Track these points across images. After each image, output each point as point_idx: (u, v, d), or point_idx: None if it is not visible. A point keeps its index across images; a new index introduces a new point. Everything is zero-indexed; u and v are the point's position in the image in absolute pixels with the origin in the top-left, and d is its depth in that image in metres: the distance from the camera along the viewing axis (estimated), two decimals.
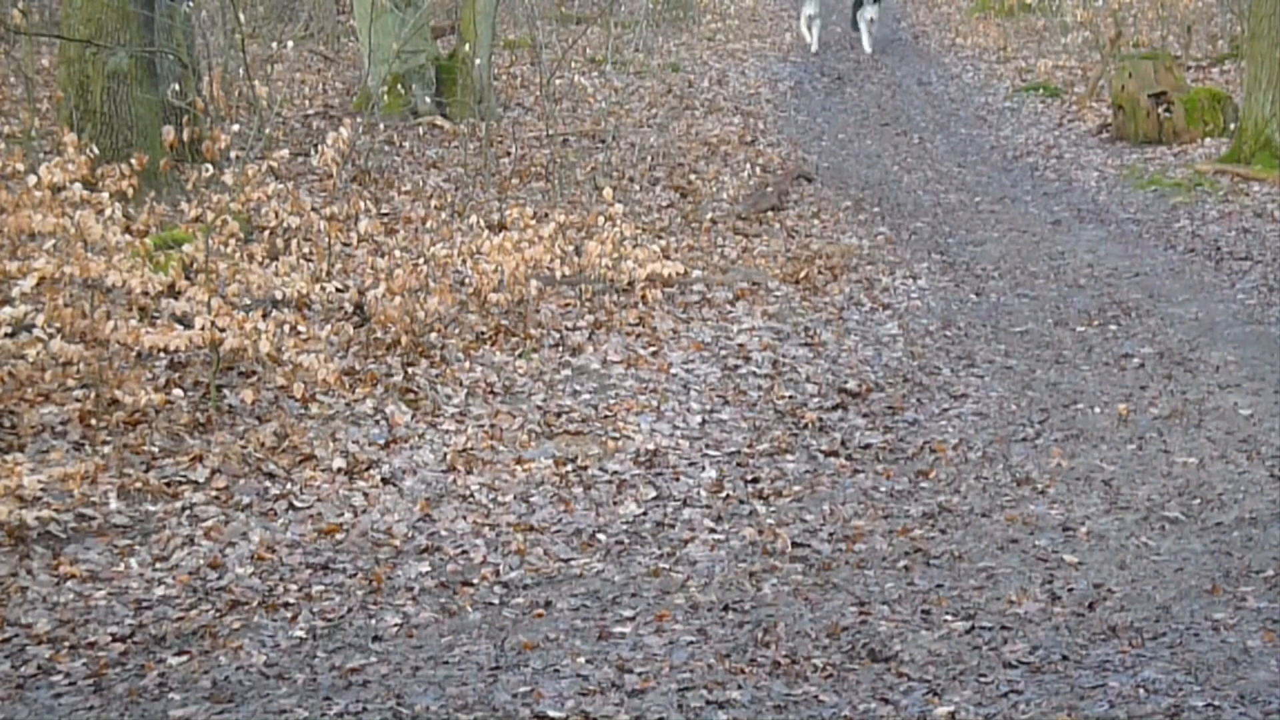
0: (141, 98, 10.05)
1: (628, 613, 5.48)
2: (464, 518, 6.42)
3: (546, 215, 9.52)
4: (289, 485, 6.54)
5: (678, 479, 6.93)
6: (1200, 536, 6.11)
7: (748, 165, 13.25)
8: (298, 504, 6.40)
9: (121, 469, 6.41)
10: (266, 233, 8.45)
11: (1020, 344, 8.90)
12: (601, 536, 6.31)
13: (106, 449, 6.55)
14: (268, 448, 6.76)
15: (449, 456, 6.94)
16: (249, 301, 7.40)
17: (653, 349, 8.50)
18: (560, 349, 8.34)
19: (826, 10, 21.80)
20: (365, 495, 6.53)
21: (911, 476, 6.98)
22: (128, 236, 7.43)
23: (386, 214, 10.39)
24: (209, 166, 7.69)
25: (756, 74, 18.44)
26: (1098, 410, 7.70)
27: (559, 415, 7.51)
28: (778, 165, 13.51)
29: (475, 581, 5.85)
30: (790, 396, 7.98)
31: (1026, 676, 4.82)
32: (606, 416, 7.54)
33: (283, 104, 13.34)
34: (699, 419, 7.63)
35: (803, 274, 10.08)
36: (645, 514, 6.55)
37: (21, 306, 6.65)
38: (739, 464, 7.13)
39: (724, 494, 6.78)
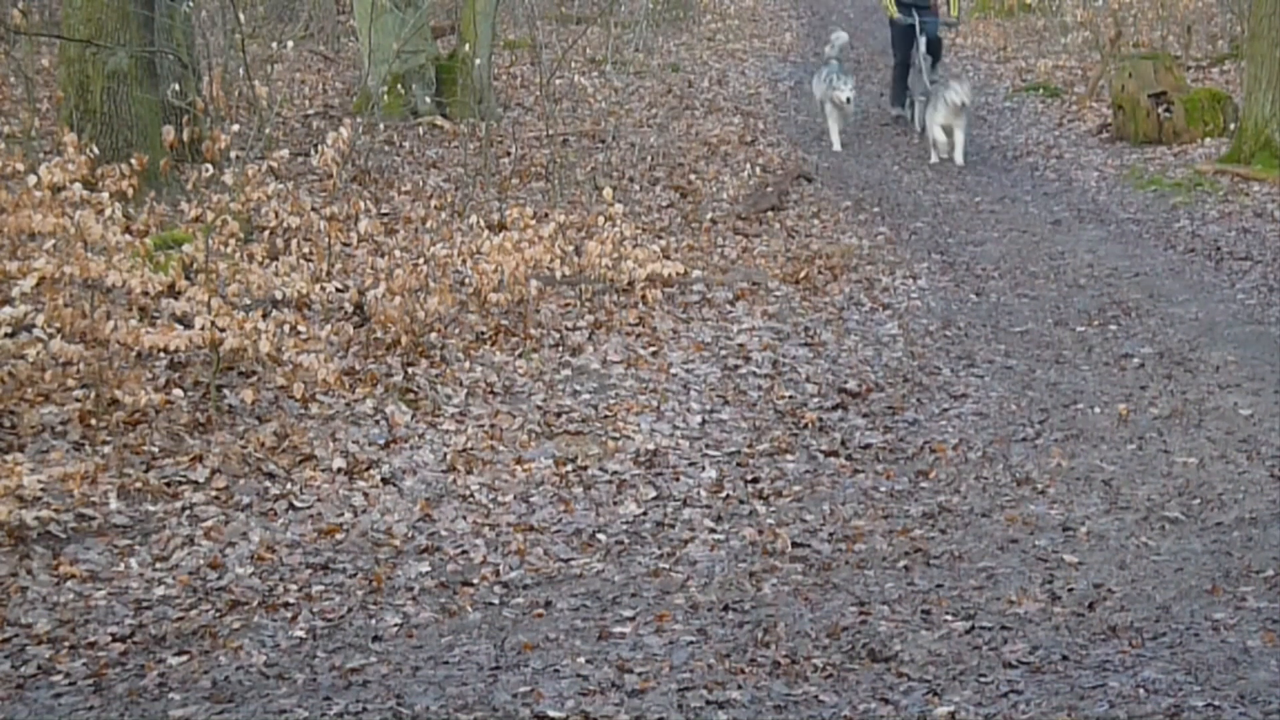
0: (141, 98, 10.05)
1: (628, 613, 5.48)
2: (464, 518, 6.42)
3: (546, 215, 9.52)
4: (289, 485, 6.54)
5: (678, 479, 6.93)
6: (1200, 536, 6.11)
7: (748, 165, 13.24)
8: (298, 504, 6.40)
9: (121, 469, 6.41)
10: (266, 233, 8.45)
11: (1020, 344, 8.90)
12: (601, 536, 6.32)
13: (106, 449, 6.55)
14: (268, 448, 6.76)
15: (449, 456, 6.94)
16: (249, 301, 7.40)
17: (653, 349, 8.50)
18: (560, 349, 8.34)
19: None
20: (365, 495, 6.53)
21: (911, 476, 6.98)
22: (128, 237, 7.42)
23: (386, 214, 10.39)
24: (209, 166, 7.69)
25: (756, 74, 18.44)
26: (1098, 410, 7.70)
27: (559, 415, 7.51)
28: (778, 165, 13.51)
29: (475, 581, 5.86)
30: (790, 396, 7.98)
31: (1026, 676, 4.82)
32: (606, 416, 7.54)
33: (283, 104, 13.34)
34: (699, 419, 7.63)
35: (803, 274, 10.08)
36: (645, 514, 6.55)
37: (21, 306, 6.65)
38: (739, 464, 7.13)
39: (724, 494, 6.78)
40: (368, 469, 6.75)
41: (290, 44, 15.46)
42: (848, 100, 14.17)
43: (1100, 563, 5.87)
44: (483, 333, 8.38)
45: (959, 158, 13.84)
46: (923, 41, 14.54)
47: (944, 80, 14.14)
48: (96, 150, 7.78)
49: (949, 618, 5.34)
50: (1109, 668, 4.85)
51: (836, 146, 14.41)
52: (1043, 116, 16.10)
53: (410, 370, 7.74)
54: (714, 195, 12.26)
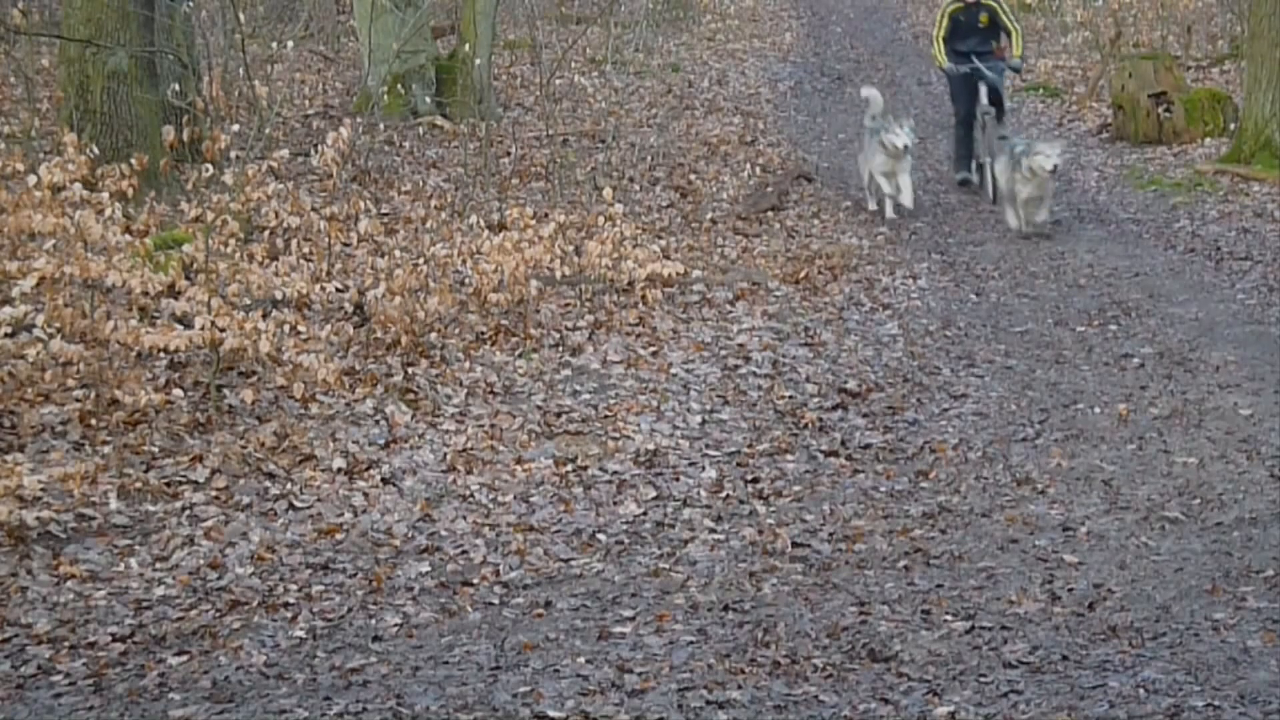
0: (141, 98, 10.05)
1: (628, 613, 5.47)
2: (464, 518, 6.41)
3: (546, 215, 9.52)
4: (289, 485, 6.54)
5: (678, 479, 6.92)
6: (1200, 536, 6.11)
7: (748, 165, 13.25)
8: (298, 504, 6.40)
9: (121, 469, 6.41)
10: (266, 233, 8.46)
11: (1020, 344, 8.90)
12: (601, 536, 6.31)
13: (106, 449, 6.55)
14: (268, 448, 6.75)
15: (449, 456, 6.94)
16: (249, 301, 7.40)
17: (653, 349, 8.50)
18: (560, 349, 8.34)
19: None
20: (365, 495, 6.53)
21: (911, 476, 6.98)
22: (128, 237, 7.43)
23: (386, 214, 10.39)
24: (209, 166, 7.68)
25: (756, 74, 18.44)
26: (1098, 410, 7.70)
27: (559, 415, 7.51)
28: (778, 165, 13.51)
29: (475, 581, 5.85)
30: (790, 396, 7.98)
31: (1026, 676, 4.82)
32: (606, 416, 7.54)
33: (283, 104, 13.34)
34: (699, 419, 7.62)
35: (803, 274, 10.08)
36: (645, 514, 6.55)
37: (21, 306, 6.65)
38: (739, 464, 7.13)
39: (724, 494, 6.78)
40: (368, 469, 6.75)
41: (290, 44, 15.47)
42: (905, 148, 11.50)
43: (1100, 563, 5.86)
44: (483, 333, 8.38)
45: (1043, 215, 11.42)
46: (984, 92, 12.31)
47: (1025, 143, 11.55)
48: (96, 150, 7.79)
49: (949, 618, 5.34)
50: (1109, 668, 4.85)
51: (889, 213, 11.86)
52: (1043, 116, 16.10)
53: (410, 370, 7.74)
54: (714, 195, 12.26)
